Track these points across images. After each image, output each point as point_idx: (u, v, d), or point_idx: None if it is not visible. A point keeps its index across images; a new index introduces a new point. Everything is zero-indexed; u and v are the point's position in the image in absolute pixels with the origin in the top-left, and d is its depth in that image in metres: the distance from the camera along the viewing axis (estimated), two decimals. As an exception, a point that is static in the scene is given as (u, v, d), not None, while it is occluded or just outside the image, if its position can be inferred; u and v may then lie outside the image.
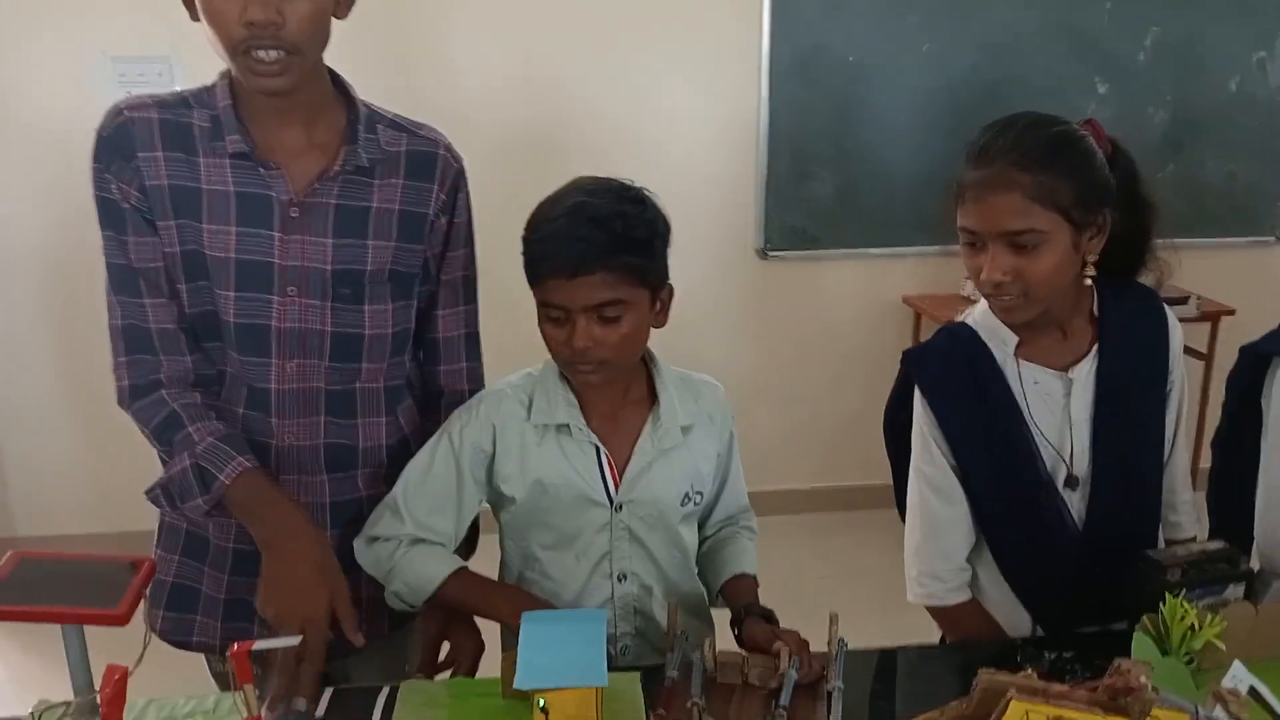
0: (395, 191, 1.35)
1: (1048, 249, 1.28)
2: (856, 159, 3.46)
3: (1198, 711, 0.88)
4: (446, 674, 1.35)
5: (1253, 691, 0.97)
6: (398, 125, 1.38)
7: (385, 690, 1.21)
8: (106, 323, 1.34)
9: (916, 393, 1.45)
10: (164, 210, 1.28)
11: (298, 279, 1.31)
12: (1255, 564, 1.40)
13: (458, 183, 1.41)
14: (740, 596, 1.40)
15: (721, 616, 1.44)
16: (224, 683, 1.46)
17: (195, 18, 1.22)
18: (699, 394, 1.42)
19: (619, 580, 1.38)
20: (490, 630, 1.38)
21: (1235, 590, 1.32)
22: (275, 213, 1.30)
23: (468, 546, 1.50)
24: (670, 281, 1.35)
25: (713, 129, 3.41)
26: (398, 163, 1.36)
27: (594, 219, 1.24)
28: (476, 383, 1.48)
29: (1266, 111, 3.59)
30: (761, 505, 3.92)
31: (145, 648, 1.11)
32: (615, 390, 1.36)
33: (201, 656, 1.49)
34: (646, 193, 1.32)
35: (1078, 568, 1.41)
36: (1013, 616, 1.45)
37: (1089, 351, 1.41)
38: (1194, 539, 1.49)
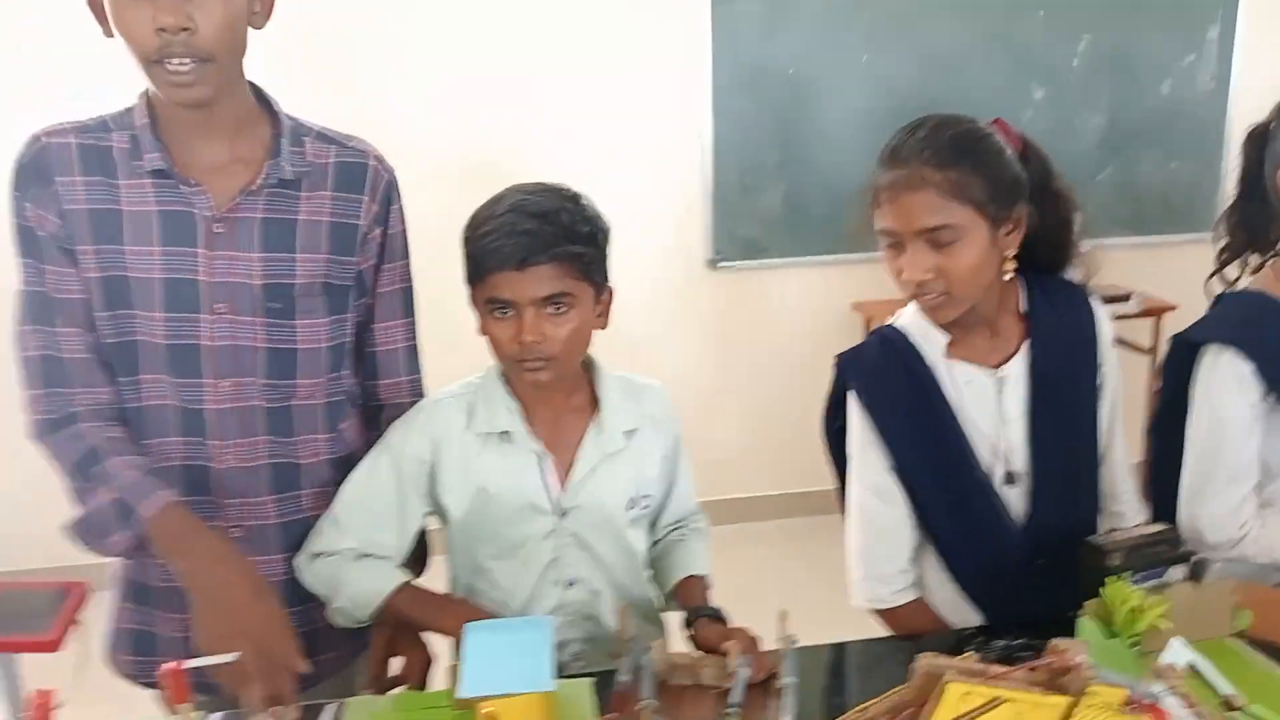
0: (324, 204, 1.34)
1: (966, 245, 1.29)
2: (802, 169, 3.50)
3: (1136, 687, 0.88)
4: (400, 689, 1.33)
5: (1192, 668, 0.98)
6: (325, 138, 1.37)
7: (333, 706, 1.19)
8: (18, 356, 1.30)
9: (851, 396, 1.46)
10: (83, 235, 1.26)
11: (226, 296, 1.29)
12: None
13: (390, 194, 1.40)
14: (691, 598, 1.40)
15: (674, 620, 1.44)
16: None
17: (109, 34, 1.20)
18: (641, 397, 1.42)
19: (567, 586, 1.37)
20: (444, 642, 1.37)
21: (1177, 571, 1.33)
22: (199, 230, 1.28)
23: (418, 564, 1.48)
24: (611, 286, 1.36)
25: (659, 143, 3.43)
26: (325, 175, 1.35)
27: (538, 214, 1.25)
28: (417, 395, 1.47)
29: (1198, 112, 3.69)
30: (719, 513, 3.92)
31: (78, 675, 1.09)
32: (557, 397, 1.36)
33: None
34: (581, 194, 1.32)
35: (1022, 562, 1.42)
36: (961, 614, 1.46)
37: (1019, 348, 1.43)
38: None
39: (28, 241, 1.28)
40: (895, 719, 0.86)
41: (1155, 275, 3.49)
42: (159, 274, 1.27)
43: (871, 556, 1.46)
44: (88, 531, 1.27)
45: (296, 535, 1.38)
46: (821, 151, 3.49)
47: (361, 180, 1.37)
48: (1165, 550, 1.33)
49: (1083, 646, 0.89)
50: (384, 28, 3.17)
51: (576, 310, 1.29)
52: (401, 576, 1.33)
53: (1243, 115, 3.48)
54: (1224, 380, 1.41)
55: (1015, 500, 1.43)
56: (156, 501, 1.23)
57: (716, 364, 3.68)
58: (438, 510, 1.38)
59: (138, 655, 1.40)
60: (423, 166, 2.83)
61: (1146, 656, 1.20)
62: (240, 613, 1.18)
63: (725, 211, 3.51)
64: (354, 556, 1.32)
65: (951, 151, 1.29)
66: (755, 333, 3.67)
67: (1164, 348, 1.56)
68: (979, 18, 3.45)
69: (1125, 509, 1.52)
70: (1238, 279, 1.53)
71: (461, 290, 1.33)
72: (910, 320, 1.45)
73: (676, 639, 1.38)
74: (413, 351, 1.48)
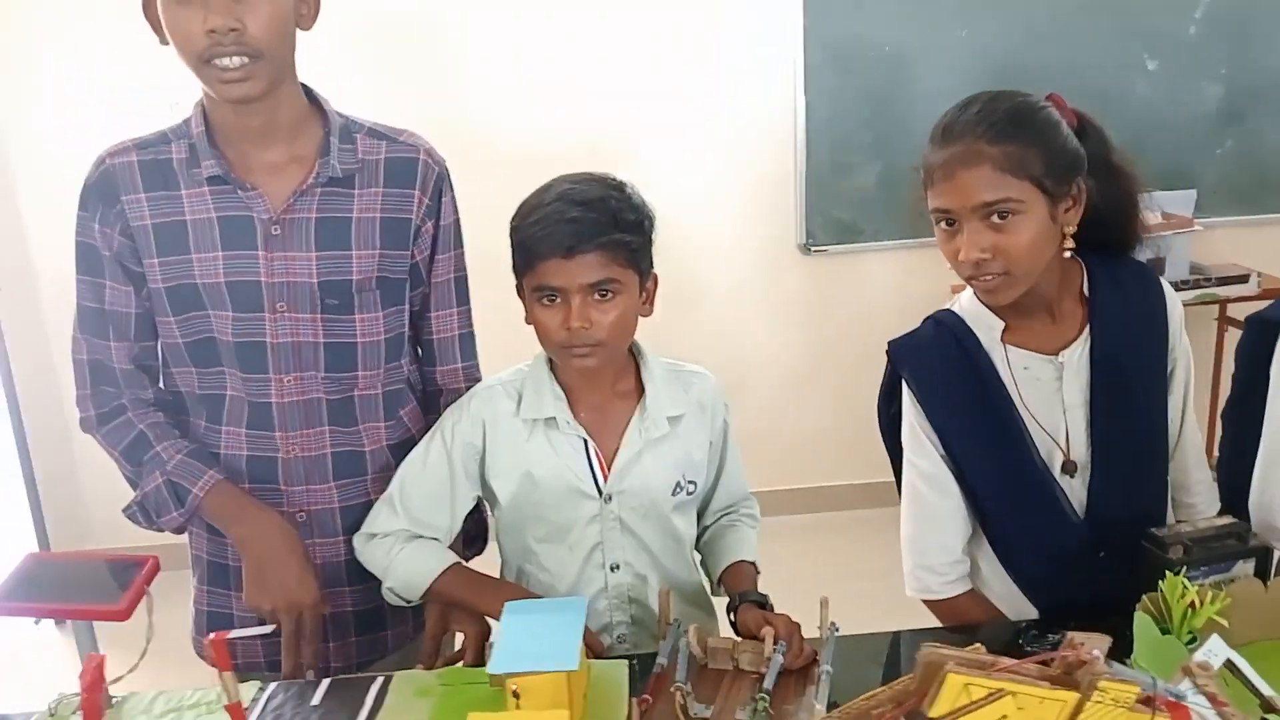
0: (376, 199, 1.38)
1: (1024, 221, 1.25)
2: (897, 148, 3.40)
3: (1158, 685, 0.85)
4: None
5: (1230, 666, 0.93)
6: (376, 134, 1.41)
7: (379, 679, 1.24)
8: (73, 359, 1.41)
9: (904, 385, 1.43)
10: (149, 250, 1.34)
11: (285, 295, 1.35)
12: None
13: (441, 186, 1.43)
14: (738, 583, 1.41)
15: (723, 605, 1.45)
16: None
17: (165, 41, 1.27)
18: (688, 384, 1.43)
19: (612, 570, 1.40)
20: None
21: (1245, 567, 1.26)
22: (257, 232, 1.34)
23: (479, 544, 1.53)
24: (656, 273, 1.38)
25: (749, 126, 3.39)
26: (377, 170, 1.39)
27: (584, 202, 1.28)
28: (474, 380, 1.51)
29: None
30: (806, 501, 3.89)
31: (148, 644, 1.17)
32: (603, 383, 1.38)
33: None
34: (627, 183, 1.34)
35: (1081, 555, 1.37)
36: (1017, 607, 1.42)
37: (1080, 333, 1.37)
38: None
39: (90, 259, 1.37)
40: (898, 708, 0.85)
41: (1277, 254, 3.29)
42: (223, 278, 1.34)
43: (922, 546, 1.44)
44: (145, 512, 1.37)
45: (359, 518, 1.43)
46: (917, 130, 3.33)
47: (413, 175, 1.40)
48: (1233, 544, 1.27)
49: (1103, 641, 0.86)
50: (466, 16, 3.22)
51: (623, 297, 1.31)
52: (450, 558, 1.38)
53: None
54: None
55: (1075, 490, 1.38)
56: (206, 480, 1.33)
57: (808, 350, 3.63)
58: (487, 494, 1.42)
59: (199, 635, 1.49)
60: (509, 154, 2.90)
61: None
62: (291, 588, 1.27)
63: (817, 193, 3.45)
64: (407, 538, 1.37)
65: (1007, 125, 1.26)
66: (849, 318, 3.60)
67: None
68: (1082, -17, 3.30)
69: (1198, 501, 1.45)
70: None
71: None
72: (967, 304, 1.41)
73: (726, 624, 1.39)
74: (469, 339, 1.52)
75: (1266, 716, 0.91)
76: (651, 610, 1.41)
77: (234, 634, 1.02)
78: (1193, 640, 1.17)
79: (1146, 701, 0.85)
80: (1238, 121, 3.42)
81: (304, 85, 1.39)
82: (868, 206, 3.48)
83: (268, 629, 1.14)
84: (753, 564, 1.44)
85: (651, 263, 1.37)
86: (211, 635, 1.01)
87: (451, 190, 1.45)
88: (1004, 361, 1.37)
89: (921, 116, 3.54)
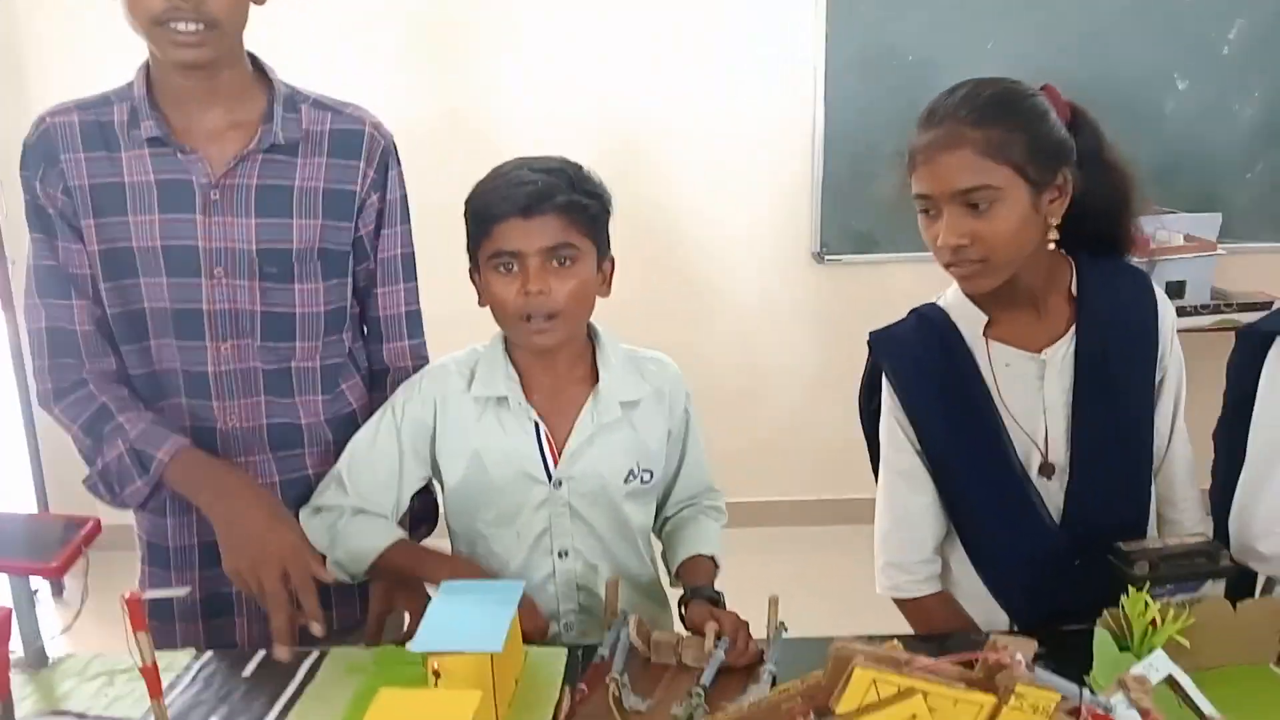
0: (319, 170, 1.37)
1: (1004, 208, 1.22)
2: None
3: (1087, 696, 0.80)
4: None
5: (1171, 681, 0.88)
6: (321, 105, 1.40)
7: (314, 654, 1.22)
8: (29, 329, 1.37)
9: (884, 378, 1.39)
10: (87, 209, 1.32)
11: (224, 260, 1.34)
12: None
13: (387, 159, 1.42)
14: (694, 577, 1.37)
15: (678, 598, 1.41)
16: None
17: None
18: (646, 371, 1.41)
19: (560, 557, 1.37)
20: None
21: (1215, 588, 1.21)
22: (196, 196, 1.32)
23: (428, 525, 1.51)
24: (613, 257, 1.36)
25: (768, 131, 3.35)
26: (321, 141, 1.37)
27: (544, 169, 1.28)
28: (420, 359, 1.49)
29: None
30: (822, 513, 3.80)
31: (82, 604, 1.17)
32: (559, 365, 1.36)
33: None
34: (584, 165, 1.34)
35: (1055, 561, 1.32)
36: (987, 612, 1.38)
37: (1066, 331, 1.33)
38: (1196, 537, 1.38)
39: (40, 218, 1.35)
40: (809, 702, 0.81)
41: (1312, 284, 3.19)
42: (159, 241, 1.33)
43: (894, 543, 1.40)
44: (107, 483, 1.34)
45: (299, 492, 1.42)
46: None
47: (358, 147, 1.39)
48: (1202, 563, 1.21)
49: (1028, 646, 0.82)
50: (495, 12, 3.22)
51: (581, 266, 1.29)
52: (397, 534, 1.35)
53: None
54: None
55: (1052, 494, 1.33)
56: (171, 446, 1.30)
57: (822, 360, 3.58)
58: (436, 475, 1.40)
59: (155, 620, 1.43)
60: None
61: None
62: (262, 538, 1.23)
63: (834, 202, 3.41)
64: (353, 512, 1.35)
65: (990, 109, 1.23)
66: (864, 328, 3.54)
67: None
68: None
69: (1183, 517, 1.39)
70: None
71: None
72: (952, 298, 1.38)
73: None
74: (416, 316, 1.49)
75: (1205, 736, 0.86)
76: (600, 599, 1.37)
77: (148, 594, 1.00)
78: (1153, 660, 1.12)
79: (1074, 712, 0.81)
80: (1271, 145, 3.33)
81: (250, 54, 1.38)
82: (885, 217, 3.42)
83: (183, 590, 1.11)
84: (711, 558, 1.41)
85: (609, 243, 1.35)
86: (126, 594, 0.98)
87: (398, 165, 1.44)
88: (985, 357, 1.33)
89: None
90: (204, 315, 1.35)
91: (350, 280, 1.43)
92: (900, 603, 1.42)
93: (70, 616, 1.19)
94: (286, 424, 1.41)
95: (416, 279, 1.49)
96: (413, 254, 1.48)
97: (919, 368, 1.36)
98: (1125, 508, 1.35)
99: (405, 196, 1.45)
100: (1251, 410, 1.33)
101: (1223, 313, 3.05)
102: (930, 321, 1.38)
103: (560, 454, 1.34)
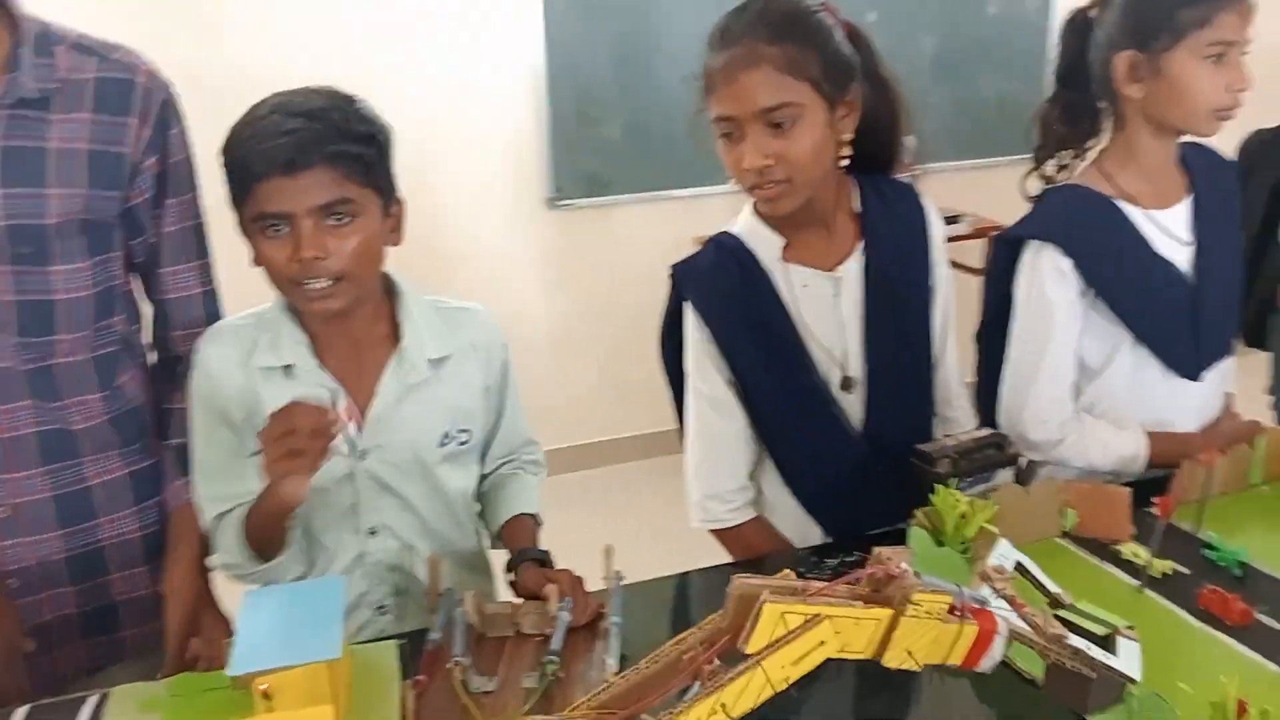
0: (82, 128, 1.15)
1: (805, 126, 1.23)
2: (645, 96, 3.38)
3: (963, 593, 0.83)
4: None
5: (1020, 568, 0.94)
6: (84, 48, 1.17)
7: (93, 699, 1.04)
8: None
9: (688, 308, 1.38)
10: None
11: None
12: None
13: (166, 115, 1.21)
14: (518, 539, 1.30)
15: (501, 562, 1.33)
16: None
17: None
18: (458, 322, 1.29)
19: (369, 535, 1.25)
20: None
21: (1005, 475, 1.31)
22: None
23: None
24: (402, 198, 1.23)
25: (489, 73, 3.25)
26: (83, 93, 1.15)
27: (304, 113, 1.10)
28: None
29: (1030, 33, 3.72)
30: (572, 460, 3.81)
31: None
32: (356, 326, 1.22)
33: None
34: (356, 96, 1.18)
35: (860, 472, 1.37)
36: (802, 529, 1.42)
37: (853, 249, 1.37)
38: (970, 432, 1.48)
39: None
40: (711, 648, 0.77)
41: (989, 197, 3.54)
42: None
43: (708, 472, 1.40)
44: None
45: (77, 509, 1.22)
46: (664, 76, 3.36)
47: (128, 100, 1.18)
48: (993, 454, 1.30)
49: (906, 554, 0.82)
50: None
51: (362, 220, 1.15)
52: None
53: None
54: (1045, 275, 1.39)
55: (853, 407, 1.38)
56: None
57: (560, 306, 3.56)
58: None
59: None
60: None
61: (978, 562, 1.16)
62: None
63: (563, 145, 3.37)
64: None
65: (784, 25, 1.23)
66: (600, 272, 3.56)
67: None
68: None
69: (959, 414, 1.48)
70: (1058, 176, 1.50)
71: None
72: (745, 225, 1.38)
73: (504, 586, 1.28)
74: (211, 296, 1.31)
75: (1056, 612, 0.91)
76: (418, 580, 1.27)
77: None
78: (965, 550, 1.19)
79: (951, 610, 0.83)
80: (952, 72, 3.65)
81: None
82: (615, 158, 3.43)
83: None
84: (533, 517, 1.34)
85: (393, 183, 1.21)
86: None
87: (180, 122, 1.23)
88: (783, 280, 1.35)
89: (668, 62, 3.52)
90: None
91: (122, 254, 1.21)
92: (717, 534, 1.43)
93: None
94: (57, 430, 1.19)
95: (209, 255, 1.29)
96: (202, 226, 1.27)
97: (722, 295, 1.36)
98: (917, 414, 1.43)
99: (190, 159, 1.25)
100: (1006, 311, 1.44)
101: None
102: (727, 250, 1.37)
103: (362, 422, 1.22)
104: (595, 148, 3.41)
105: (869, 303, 1.36)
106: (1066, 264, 1.37)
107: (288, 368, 1.19)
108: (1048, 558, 1.13)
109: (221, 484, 1.21)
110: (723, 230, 1.40)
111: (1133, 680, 0.88)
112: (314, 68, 2.89)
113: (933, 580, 0.81)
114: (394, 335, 1.25)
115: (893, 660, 0.80)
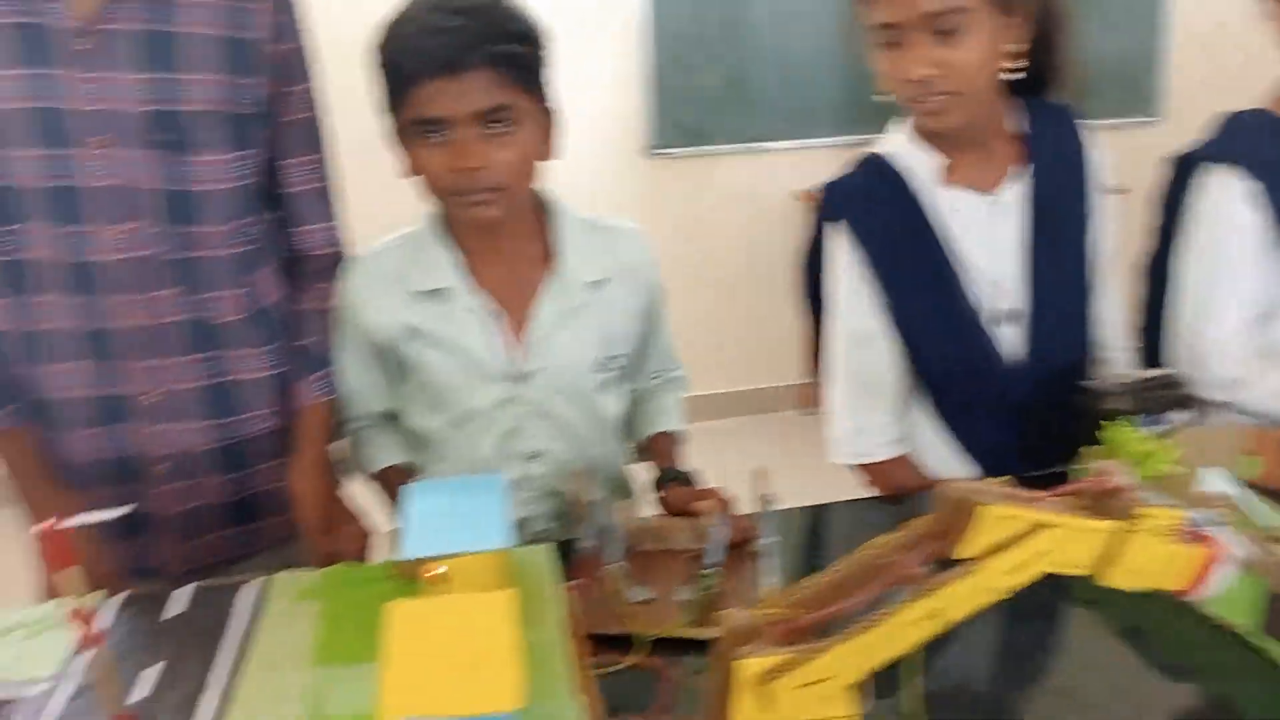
0: (209, 12, 1.13)
1: (972, 34, 1.15)
2: (746, 45, 3.31)
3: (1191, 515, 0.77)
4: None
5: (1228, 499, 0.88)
6: None
7: (258, 582, 1.03)
8: None
9: (837, 230, 1.31)
10: None
11: (103, 127, 1.09)
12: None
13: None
14: (661, 457, 1.27)
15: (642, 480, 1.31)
16: None
17: None
18: (614, 243, 1.25)
19: (529, 459, 1.23)
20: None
21: (1179, 418, 1.24)
22: (55, 47, 1.07)
23: None
24: (555, 107, 1.18)
25: (592, 23, 3.20)
26: None
27: (463, 9, 1.06)
28: (334, 247, 1.28)
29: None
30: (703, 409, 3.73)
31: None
32: (509, 243, 1.19)
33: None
34: None
35: (1020, 406, 1.31)
36: (952, 471, 1.34)
37: (1010, 173, 1.29)
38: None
39: None
40: (913, 554, 0.73)
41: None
42: (17, 103, 1.07)
43: (857, 406, 1.34)
44: None
45: (222, 401, 1.21)
46: (767, 26, 3.29)
47: None
48: (1166, 394, 1.23)
49: (1126, 467, 0.77)
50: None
51: (522, 129, 1.11)
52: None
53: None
54: (1234, 197, 1.28)
55: (1011, 339, 1.30)
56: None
57: (656, 257, 3.51)
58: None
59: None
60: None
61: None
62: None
63: (663, 95, 3.31)
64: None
65: None
66: (697, 225, 3.51)
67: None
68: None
69: (1118, 355, 1.41)
70: None
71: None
72: (896, 144, 1.31)
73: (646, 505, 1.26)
74: (323, 195, 1.28)
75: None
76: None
77: (73, 521, 0.77)
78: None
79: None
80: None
81: None
82: (715, 108, 3.36)
83: (126, 509, 0.89)
84: (675, 434, 1.31)
85: (549, 93, 1.17)
86: (39, 527, 0.76)
87: (298, 8, 1.20)
88: (940, 202, 1.28)
89: (771, 10, 3.40)
90: (80, 194, 1.10)
91: (260, 151, 1.20)
92: (865, 468, 1.37)
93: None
94: (196, 321, 1.19)
95: (323, 149, 1.26)
96: (315, 120, 1.24)
97: (878, 218, 1.29)
98: (1080, 348, 1.35)
99: (306, 49, 1.21)
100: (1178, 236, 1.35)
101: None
102: (880, 170, 1.30)
103: (521, 346, 1.19)
104: (695, 97, 3.34)
105: (1036, 228, 1.28)
106: (1258, 187, 1.27)
107: (442, 290, 1.17)
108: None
109: (354, 409, 1.23)
110: (870, 151, 1.34)
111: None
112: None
113: (1155, 496, 0.76)
114: (547, 255, 1.21)
115: (1115, 579, 0.75)
